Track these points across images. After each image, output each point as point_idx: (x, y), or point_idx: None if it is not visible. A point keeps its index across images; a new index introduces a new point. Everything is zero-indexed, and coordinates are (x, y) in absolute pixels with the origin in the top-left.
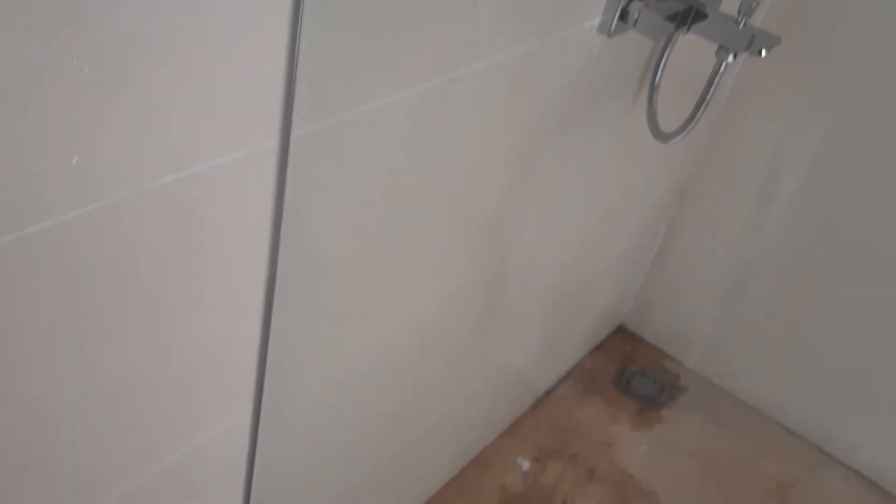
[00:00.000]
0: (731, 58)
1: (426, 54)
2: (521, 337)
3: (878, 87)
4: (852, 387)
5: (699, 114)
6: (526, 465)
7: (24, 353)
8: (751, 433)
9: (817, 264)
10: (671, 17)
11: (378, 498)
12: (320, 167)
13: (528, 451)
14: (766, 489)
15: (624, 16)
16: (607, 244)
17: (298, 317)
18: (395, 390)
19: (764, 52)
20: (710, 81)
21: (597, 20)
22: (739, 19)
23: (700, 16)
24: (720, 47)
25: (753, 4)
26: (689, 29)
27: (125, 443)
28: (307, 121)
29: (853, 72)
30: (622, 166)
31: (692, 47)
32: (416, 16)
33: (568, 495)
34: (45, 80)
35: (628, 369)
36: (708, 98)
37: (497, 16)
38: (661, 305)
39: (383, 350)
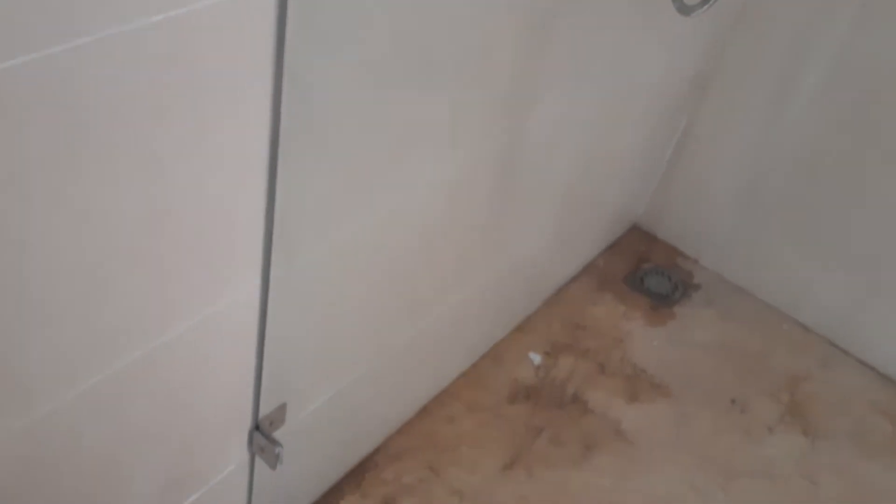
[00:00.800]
0: None
1: None
2: (534, 229)
3: None
4: (868, 282)
5: None
6: (538, 359)
7: (11, 195)
8: (764, 329)
9: (841, 156)
10: None
11: (390, 386)
12: (323, 16)
13: (540, 346)
14: (778, 383)
15: None
16: (624, 135)
17: (303, 180)
18: (406, 272)
19: None
20: None
21: None
22: None
23: None
24: None
25: None
26: None
27: (129, 310)
28: None
29: None
30: (643, 45)
31: None
32: None
33: (579, 388)
34: None
35: (641, 268)
36: None
37: None
38: (677, 203)
39: (392, 225)
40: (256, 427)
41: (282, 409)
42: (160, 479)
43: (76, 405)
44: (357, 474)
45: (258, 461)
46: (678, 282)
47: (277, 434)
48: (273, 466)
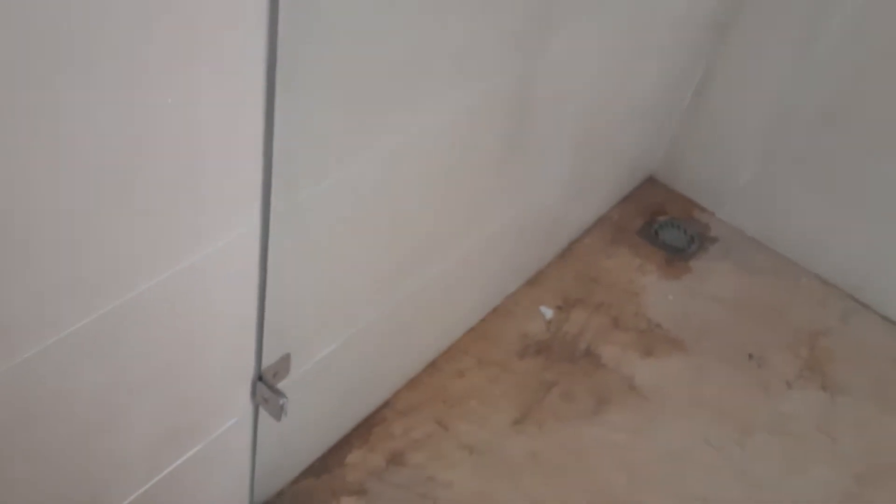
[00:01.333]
0: None
1: None
2: (546, 176)
3: None
4: (891, 234)
5: None
6: (549, 313)
7: None
8: (783, 282)
9: (865, 104)
10: None
11: (397, 339)
12: None
13: (552, 300)
14: (798, 337)
15: None
16: (641, 77)
17: (305, 108)
18: (412, 216)
19: None
20: None
21: None
22: None
23: None
24: None
25: None
26: None
27: (116, 248)
28: None
29: None
30: None
31: None
32: None
33: (592, 342)
34: None
35: (657, 220)
36: None
37: None
38: (694, 155)
39: (398, 164)
40: (259, 378)
41: (286, 359)
42: (159, 429)
43: (62, 349)
44: (364, 429)
45: (262, 413)
46: (694, 235)
47: (282, 385)
48: (277, 418)
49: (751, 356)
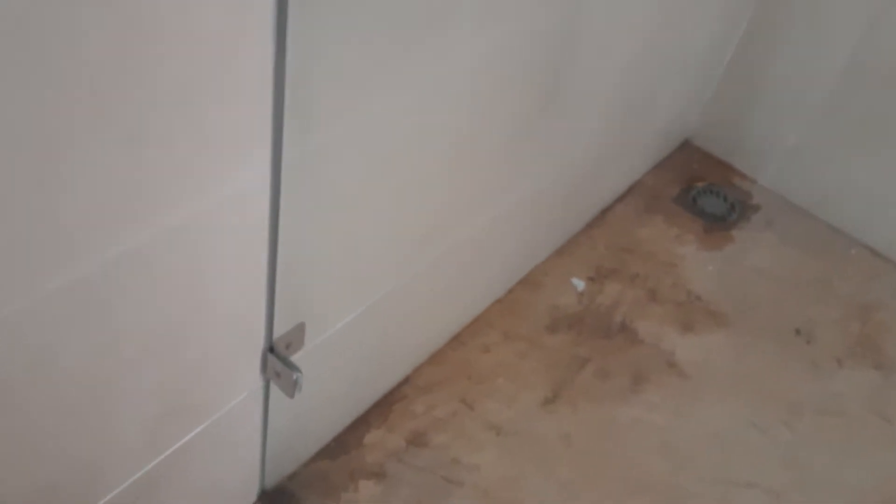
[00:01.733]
0: None
1: None
2: (578, 137)
3: None
4: None
5: None
6: (581, 285)
7: None
8: (832, 254)
9: None
10: None
11: (419, 310)
12: None
13: (583, 271)
14: (848, 311)
15: None
16: (681, 32)
17: (320, 33)
18: (439, 175)
19: None
20: None
21: None
22: None
23: None
24: None
25: None
26: None
27: (99, 191)
28: None
29: None
30: None
31: None
32: None
33: (627, 316)
34: None
35: (694, 187)
36: None
37: None
38: (734, 115)
39: (420, 114)
40: (271, 349)
41: (300, 329)
42: (157, 405)
43: (46, 308)
44: (383, 406)
45: (273, 389)
46: (735, 202)
47: (295, 359)
48: (291, 394)
49: (798, 332)
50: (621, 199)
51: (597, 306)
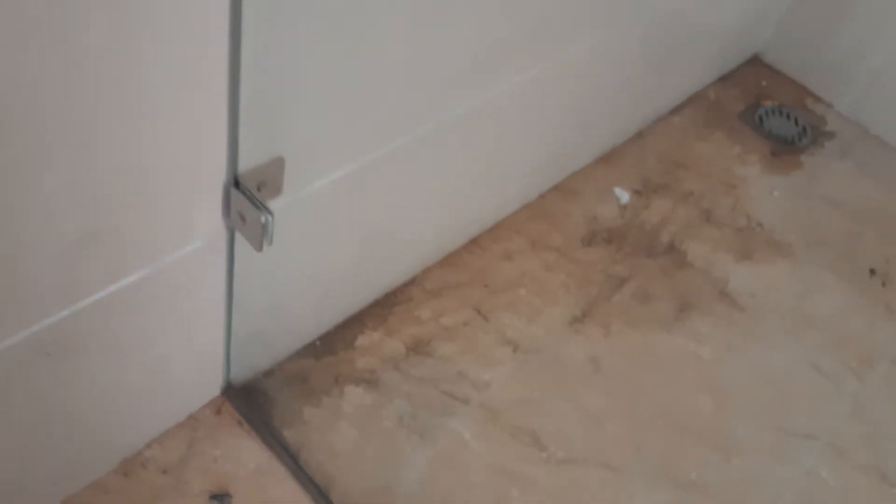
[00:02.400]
0: None
1: None
2: (638, 18)
3: None
4: None
5: None
6: (625, 197)
7: None
8: None
9: None
10: None
11: (433, 188)
12: None
13: (629, 182)
14: None
15: None
16: None
17: None
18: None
19: None
20: None
21: None
22: None
23: None
24: None
25: None
26: None
27: None
28: None
29: None
30: None
31: None
32: None
33: (676, 236)
34: None
35: (762, 105)
36: None
37: None
38: (812, 32)
39: None
40: (236, 183)
41: (276, 166)
42: (72, 221)
43: None
44: (384, 306)
45: (240, 247)
46: (806, 126)
47: (270, 206)
48: (258, 246)
49: (873, 272)
50: (679, 109)
51: (641, 222)
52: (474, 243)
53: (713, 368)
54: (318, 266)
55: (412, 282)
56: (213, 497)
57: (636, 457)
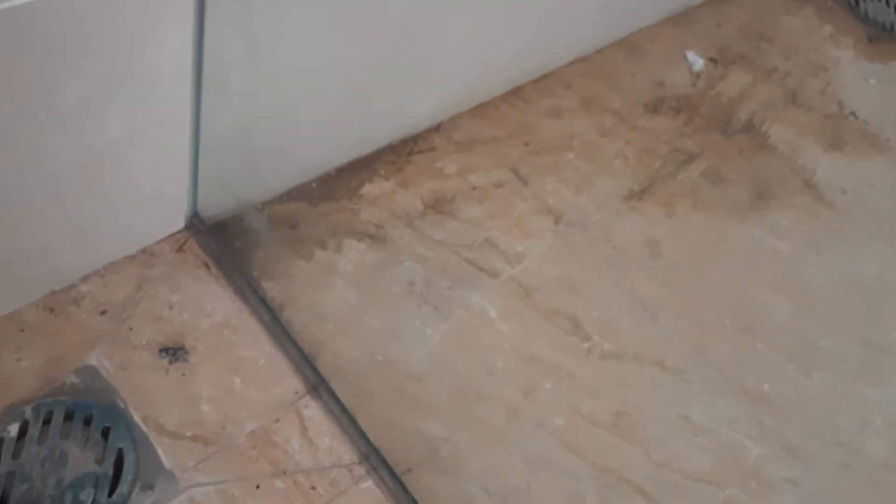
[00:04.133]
0: None
1: None
2: None
3: None
4: None
5: None
6: (699, 63)
7: None
8: None
9: None
10: None
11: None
12: None
13: (704, 48)
14: None
15: None
16: None
17: None
18: None
19: None
20: None
21: None
22: None
23: None
24: None
25: None
26: None
27: None
28: None
29: None
30: None
31: None
32: None
33: (757, 115)
34: None
35: None
36: None
37: None
38: None
39: None
40: None
41: None
42: None
43: None
44: (399, 153)
45: (210, 29)
46: None
47: None
48: None
49: None
50: None
51: (717, 94)
52: (516, 94)
53: (793, 267)
54: (321, 62)
55: (437, 129)
56: (164, 350)
57: (697, 359)
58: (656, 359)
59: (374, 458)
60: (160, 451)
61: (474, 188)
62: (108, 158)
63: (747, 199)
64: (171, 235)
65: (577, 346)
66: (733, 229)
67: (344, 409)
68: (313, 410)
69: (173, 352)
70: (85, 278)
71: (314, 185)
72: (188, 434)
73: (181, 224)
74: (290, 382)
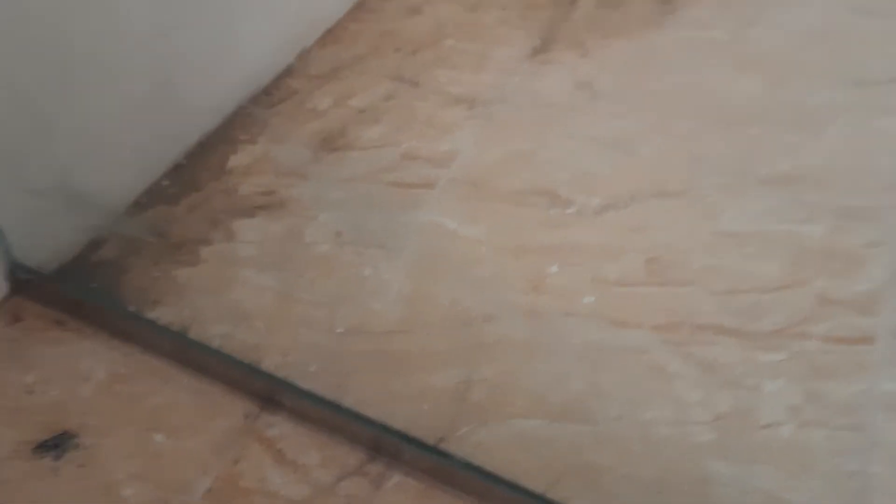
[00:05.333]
0: None
1: None
2: None
3: None
4: None
5: None
6: None
7: None
8: None
9: None
10: None
11: None
12: None
13: None
14: None
15: None
16: None
17: None
18: None
19: None
20: None
21: None
22: None
23: None
24: None
25: None
26: None
27: None
28: None
29: None
30: None
31: None
32: None
33: None
34: None
35: None
36: None
37: None
38: None
39: None
40: None
41: None
42: None
43: None
44: (256, 109)
45: None
46: None
47: None
48: None
49: None
50: None
51: None
52: (360, 8)
53: (738, 48)
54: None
55: (288, 72)
56: (41, 446)
57: (698, 170)
58: (656, 190)
59: (389, 445)
60: None
61: (362, 111)
62: None
63: (654, 8)
64: None
65: (563, 216)
66: (658, 40)
67: (324, 404)
68: (279, 426)
69: (54, 444)
70: None
71: (165, 182)
72: None
73: (4, 289)
74: (234, 407)
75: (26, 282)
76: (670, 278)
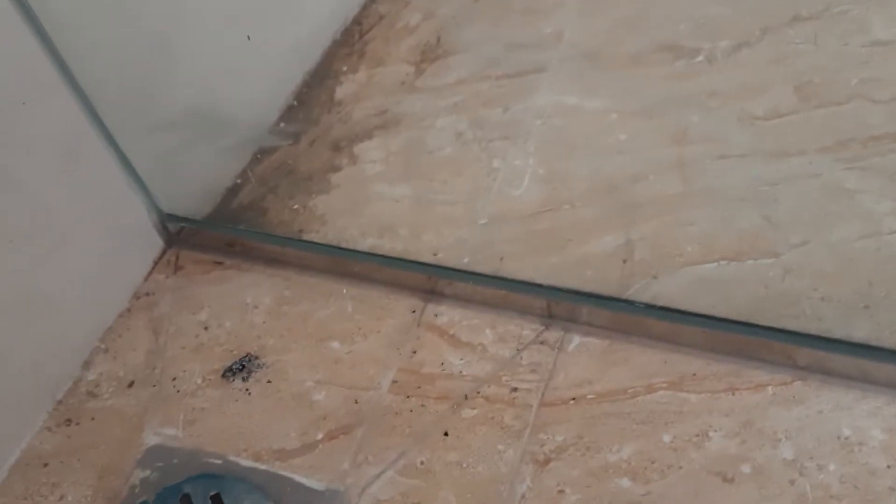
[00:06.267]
0: None
1: None
2: None
3: None
4: None
5: None
6: None
7: None
8: None
9: None
10: None
11: None
12: None
13: None
14: None
15: None
16: None
17: None
18: None
19: None
20: None
21: None
22: None
23: None
24: None
25: None
26: None
27: None
28: None
29: None
30: None
31: None
32: None
33: None
34: None
35: None
36: None
37: None
38: None
39: None
40: None
41: None
42: None
43: None
44: (350, 43)
45: None
46: None
47: None
48: None
49: None
50: None
51: None
52: None
53: None
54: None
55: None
56: (228, 371)
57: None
58: (789, 17)
59: (563, 310)
60: (295, 477)
61: (453, 17)
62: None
63: None
64: (157, 261)
65: (692, 66)
66: None
67: (490, 280)
68: (447, 314)
69: (240, 366)
70: (86, 364)
71: (281, 124)
72: (325, 434)
73: (160, 243)
74: (399, 306)
75: (178, 233)
76: (827, 99)
